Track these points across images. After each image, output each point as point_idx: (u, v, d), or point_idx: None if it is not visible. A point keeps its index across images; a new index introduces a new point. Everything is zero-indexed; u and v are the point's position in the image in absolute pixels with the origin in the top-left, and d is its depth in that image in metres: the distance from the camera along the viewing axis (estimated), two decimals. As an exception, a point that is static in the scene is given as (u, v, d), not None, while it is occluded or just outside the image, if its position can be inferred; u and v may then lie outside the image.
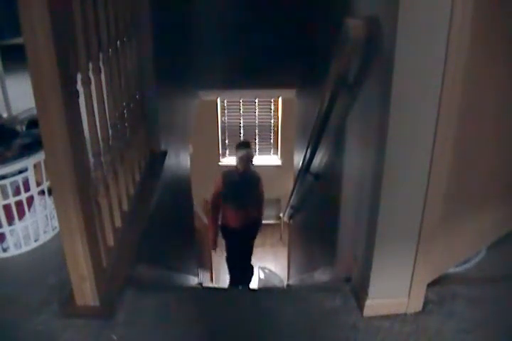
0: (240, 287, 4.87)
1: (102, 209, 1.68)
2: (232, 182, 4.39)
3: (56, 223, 2.04)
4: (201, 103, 5.31)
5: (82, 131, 1.45)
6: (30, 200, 1.94)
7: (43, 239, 2.03)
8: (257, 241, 4.94)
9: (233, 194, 4.40)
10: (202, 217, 5.86)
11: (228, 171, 4.59)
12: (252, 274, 5.16)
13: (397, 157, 1.42)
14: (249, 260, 4.96)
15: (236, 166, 4.45)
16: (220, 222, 4.65)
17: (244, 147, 4.42)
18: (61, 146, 1.33)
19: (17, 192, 1.87)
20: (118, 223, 1.84)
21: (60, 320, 1.60)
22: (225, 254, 4.91)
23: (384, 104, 1.39)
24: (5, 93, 2.93)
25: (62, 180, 1.38)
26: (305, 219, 3.88)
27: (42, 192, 1.97)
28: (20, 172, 1.85)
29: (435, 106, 1.35)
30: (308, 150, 2.74)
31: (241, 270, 4.89)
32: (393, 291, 1.65)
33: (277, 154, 8.51)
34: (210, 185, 4.61)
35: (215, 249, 4.77)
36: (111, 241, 1.75)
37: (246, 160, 4.37)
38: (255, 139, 8.38)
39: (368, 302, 1.64)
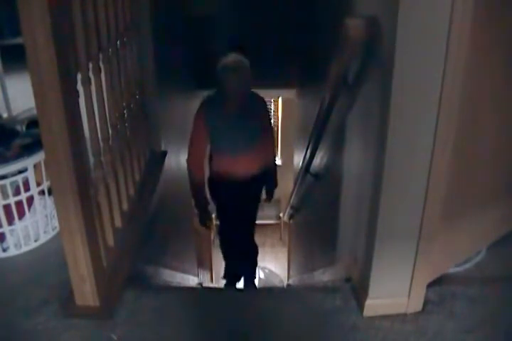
0: (241, 280, 3.51)
1: (102, 209, 1.68)
2: (221, 112, 2.69)
3: (56, 223, 2.04)
4: (201, 103, 5.30)
5: (82, 131, 1.45)
6: (30, 200, 1.94)
7: (43, 239, 2.03)
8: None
9: (224, 132, 2.73)
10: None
11: (212, 96, 2.77)
12: (255, 258, 3.51)
13: (397, 157, 1.42)
14: (251, 235, 3.29)
15: (224, 86, 2.58)
16: (208, 176, 2.98)
17: (236, 51, 2.63)
18: (61, 146, 1.33)
19: (17, 192, 1.87)
20: (118, 223, 1.84)
21: (60, 320, 1.60)
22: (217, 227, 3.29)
23: (384, 104, 1.39)
24: (5, 93, 2.94)
25: (62, 180, 1.38)
26: (305, 219, 3.88)
27: (42, 192, 1.97)
28: (20, 172, 1.85)
29: (435, 106, 1.35)
30: (308, 150, 2.74)
31: (240, 252, 3.30)
32: (393, 291, 1.65)
33: (277, 154, 8.52)
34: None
35: (205, 223, 3.08)
36: (111, 241, 1.75)
37: (238, 70, 2.52)
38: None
39: (368, 302, 1.64)
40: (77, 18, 1.41)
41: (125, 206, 1.94)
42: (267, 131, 2.93)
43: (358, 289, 1.72)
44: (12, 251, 1.95)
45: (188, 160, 2.83)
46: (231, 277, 3.52)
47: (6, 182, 1.82)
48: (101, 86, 1.68)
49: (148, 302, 1.75)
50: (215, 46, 4.33)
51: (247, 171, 2.88)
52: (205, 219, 3.02)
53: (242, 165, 2.84)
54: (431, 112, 1.36)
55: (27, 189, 1.89)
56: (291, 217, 4.87)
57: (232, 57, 2.56)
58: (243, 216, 3.08)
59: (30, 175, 1.88)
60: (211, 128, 2.70)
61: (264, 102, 2.89)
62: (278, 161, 8.38)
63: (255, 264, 3.57)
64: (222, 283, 6.00)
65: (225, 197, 3.00)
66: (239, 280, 3.52)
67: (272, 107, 8.20)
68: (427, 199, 1.47)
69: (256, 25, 4.22)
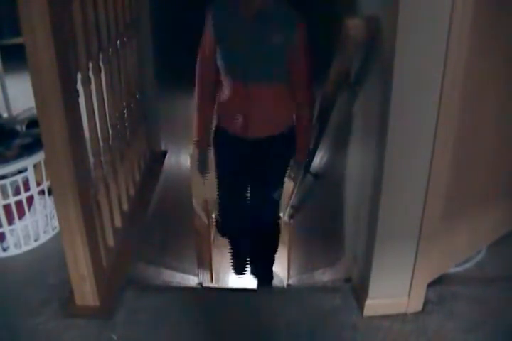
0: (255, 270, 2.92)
1: (102, 209, 1.68)
2: (232, 18, 2.02)
3: (56, 223, 2.04)
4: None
5: (82, 131, 1.46)
6: (30, 200, 1.94)
7: (43, 239, 2.03)
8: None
9: (235, 44, 2.03)
10: (202, 217, 5.86)
11: (223, 3, 2.06)
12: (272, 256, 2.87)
13: (397, 156, 1.42)
14: (275, 206, 2.63)
15: None
16: (214, 120, 2.28)
17: None
18: (61, 146, 1.33)
19: (17, 192, 1.87)
20: (118, 223, 1.84)
21: (60, 320, 1.60)
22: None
23: (384, 103, 1.39)
24: (5, 93, 2.93)
25: (62, 180, 1.38)
26: (305, 219, 3.88)
27: (42, 192, 1.97)
28: (20, 172, 1.85)
29: (435, 105, 1.35)
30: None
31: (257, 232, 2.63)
32: (393, 291, 1.65)
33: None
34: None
35: (204, 170, 2.39)
36: (111, 241, 1.75)
37: None
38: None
39: (368, 302, 1.64)
40: (77, 18, 1.41)
41: (125, 206, 1.94)
42: (299, 53, 2.05)
43: (358, 289, 1.72)
44: (12, 251, 1.95)
45: (196, 71, 2.27)
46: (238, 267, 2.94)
47: (6, 182, 1.82)
48: (101, 86, 1.68)
49: (148, 302, 1.75)
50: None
51: (265, 116, 2.12)
52: (203, 166, 2.37)
53: (257, 102, 2.06)
54: (431, 112, 1.36)
55: (27, 189, 1.89)
56: (291, 216, 4.86)
57: None
58: (265, 185, 2.39)
59: (30, 175, 1.88)
60: (220, 37, 2.06)
61: (297, 16, 1.98)
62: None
63: (271, 263, 2.93)
64: (222, 283, 5.98)
65: (230, 159, 2.31)
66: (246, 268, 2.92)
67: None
68: (427, 199, 1.47)
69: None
